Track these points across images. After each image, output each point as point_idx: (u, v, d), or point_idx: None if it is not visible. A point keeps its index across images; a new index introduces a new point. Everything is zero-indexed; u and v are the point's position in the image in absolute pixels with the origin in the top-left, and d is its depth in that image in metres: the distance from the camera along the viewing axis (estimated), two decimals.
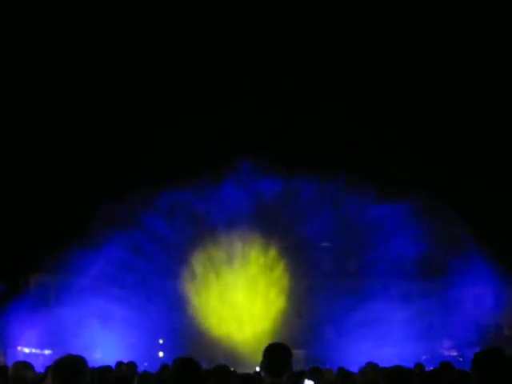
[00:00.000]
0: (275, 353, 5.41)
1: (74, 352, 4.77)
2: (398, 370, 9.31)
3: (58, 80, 41.30)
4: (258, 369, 22.19)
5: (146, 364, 23.72)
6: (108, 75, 41.58)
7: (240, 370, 15.20)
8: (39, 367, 9.51)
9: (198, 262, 37.91)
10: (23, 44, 41.18)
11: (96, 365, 11.87)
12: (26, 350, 34.26)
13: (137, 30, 42.43)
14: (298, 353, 33.96)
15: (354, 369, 12.41)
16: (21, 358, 29.56)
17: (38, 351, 33.88)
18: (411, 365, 16.14)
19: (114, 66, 42.13)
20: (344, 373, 12.17)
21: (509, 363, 4.45)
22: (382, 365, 10.98)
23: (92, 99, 41.35)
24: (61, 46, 41.76)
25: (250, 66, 42.06)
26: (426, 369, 12.90)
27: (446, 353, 32.72)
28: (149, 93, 42.05)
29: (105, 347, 31.22)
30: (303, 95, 42.20)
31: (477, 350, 5.03)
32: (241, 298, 37.59)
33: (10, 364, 8.14)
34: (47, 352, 32.24)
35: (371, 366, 8.57)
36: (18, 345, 34.60)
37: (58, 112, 41.18)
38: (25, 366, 6.69)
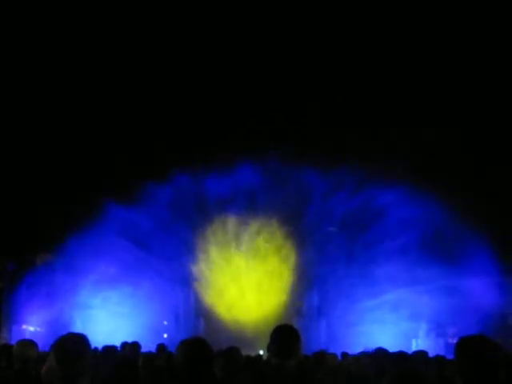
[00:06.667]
0: (282, 335, 5.37)
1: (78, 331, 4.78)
2: (401, 357, 9.34)
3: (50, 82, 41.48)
4: (261, 352, 22.31)
5: (150, 345, 23.74)
6: (102, 78, 41.76)
7: (243, 353, 15.19)
8: (44, 346, 9.51)
9: (205, 244, 37.96)
10: (21, 45, 41.29)
11: (100, 345, 11.92)
12: (31, 329, 34.41)
13: (134, 35, 42.56)
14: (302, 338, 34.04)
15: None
16: (26, 336, 29.75)
17: (42, 330, 34.02)
18: (413, 350, 16.19)
19: (108, 69, 42.30)
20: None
21: (493, 350, 4.39)
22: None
23: (92, 96, 41.59)
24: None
25: (250, 66, 42.27)
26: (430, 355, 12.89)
27: (450, 340, 32.75)
28: (152, 91, 42.31)
29: (109, 328, 31.33)
30: (307, 87, 42.34)
31: None
32: (246, 281, 37.66)
33: (14, 342, 8.15)
34: (51, 331, 32.34)
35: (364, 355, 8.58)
36: (24, 323, 34.76)
37: (60, 105, 41.42)
38: (29, 344, 6.67)
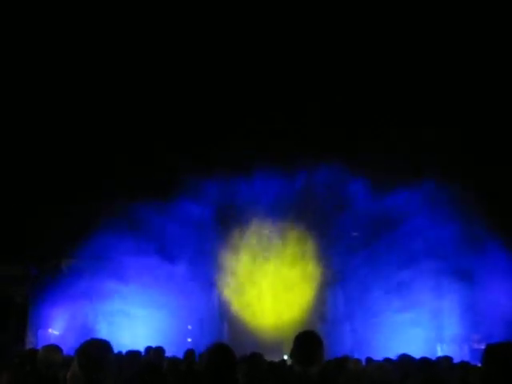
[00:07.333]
0: (305, 342, 5.37)
1: (103, 337, 4.81)
2: (425, 363, 9.30)
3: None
4: (285, 357, 22.25)
5: (174, 349, 23.77)
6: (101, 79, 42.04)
7: (266, 358, 15.17)
8: (70, 350, 9.59)
9: (229, 249, 37.98)
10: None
11: (125, 349, 11.97)
12: (56, 333, 34.63)
13: (134, 35, 42.81)
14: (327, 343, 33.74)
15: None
16: (51, 341, 29.98)
17: (68, 334, 34.20)
18: (439, 355, 16.07)
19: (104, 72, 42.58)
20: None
21: None
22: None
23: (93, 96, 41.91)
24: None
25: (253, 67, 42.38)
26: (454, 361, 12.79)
27: (475, 346, 32.48)
28: (151, 91, 42.52)
29: (134, 332, 31.44)
30: (307, 87, 42.37)
31: None
32: (271, 286, 37.63)
33: (40, 346, 8.21)
34: (77, 335, 32.50)
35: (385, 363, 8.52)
36: (49, 327, 35.00)
37: (60, 105, 41.77)
38: (53, 349, 6.74)
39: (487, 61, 39.98)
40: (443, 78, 40.25)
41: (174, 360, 12.41)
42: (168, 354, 13.02)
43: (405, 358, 9.01)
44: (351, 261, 35.77)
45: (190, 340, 34.58)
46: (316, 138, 39.17)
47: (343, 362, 11.00)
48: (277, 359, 17.17)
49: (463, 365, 10.99)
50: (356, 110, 41.09)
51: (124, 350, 11.99)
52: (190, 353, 12.95)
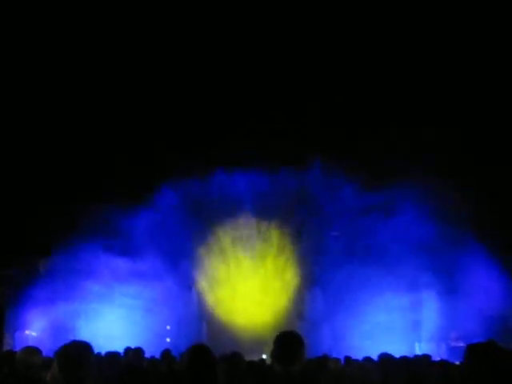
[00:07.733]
0: (286, 341, 5.37)
1: (81, 338, 4.79)
2: (405, 362, 9.35)
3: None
4: (264, 356, 22.26)
5: (153, 350, 23.66)
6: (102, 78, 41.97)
7: (246, 358, 15.12)
8: (48, 351, 9.53)
9: (207, 248, 37.92)
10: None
11: (103, 351, 11.90)
12: (34, 334, 34.38)
13: (134, 35, 42.77)
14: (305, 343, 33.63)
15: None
16: (29, 342, 29.75)
17: (45, 335, 33.99)
18: (417, 354, 16.15)
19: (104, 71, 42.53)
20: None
21: (502, 355, 4.39)
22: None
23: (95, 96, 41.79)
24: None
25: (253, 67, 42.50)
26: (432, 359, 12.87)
27: (453, 343, 32.70)
28: (151, 91, 42.48)
29: (112, 332, 31.26)
30: (307, 87, 42.47)
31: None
32: (249, 285, 37.59)
33: (17, 347, 8.15)
34: (55, 336, 32.30)
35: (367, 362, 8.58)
36: (27, 328, 34.75)
37: (60, 105, 41.61)
38: (33, 351, 6.68)
39: (487, 61, 40.25)
40: (443, 78, 40.46)
41: (153, 361, 12.38)
42: (147, 354, 12.97)
43: (385, 358, 9.05)
44: (330, 260, 35.84)
45: (168, 340, 34.49)
46: (316, 137, 39.30)
47: (324, 361, 11.03)
48: (256, 358, 17.16)
49: (442, 363, 11.06)
50: (356, 109, 41.26)
51: (102, 351, 11.91)
52: (166, 353, 12.91)
